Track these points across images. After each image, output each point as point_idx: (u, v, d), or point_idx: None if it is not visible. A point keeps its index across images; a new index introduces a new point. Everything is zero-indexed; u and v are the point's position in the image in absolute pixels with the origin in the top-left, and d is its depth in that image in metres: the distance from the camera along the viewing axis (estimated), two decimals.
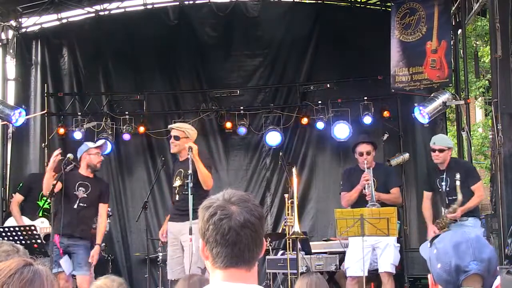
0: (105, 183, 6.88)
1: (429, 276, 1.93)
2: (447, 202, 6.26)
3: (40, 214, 6.85)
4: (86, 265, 6.16)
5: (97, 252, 6.27)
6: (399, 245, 6.37)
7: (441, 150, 6.34)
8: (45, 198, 6.90)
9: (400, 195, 6.71)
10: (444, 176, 6.31)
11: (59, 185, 5.93)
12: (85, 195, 6.20)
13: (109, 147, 6.59)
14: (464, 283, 1.82)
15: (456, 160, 6.97)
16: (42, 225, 6.67)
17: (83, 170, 6.29)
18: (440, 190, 6.33)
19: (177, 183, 5.77)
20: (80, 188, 6.17)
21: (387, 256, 6.09)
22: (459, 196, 6.09)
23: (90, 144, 6.51)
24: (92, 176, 6.40)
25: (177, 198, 5.77)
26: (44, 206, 6.91)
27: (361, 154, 6.46)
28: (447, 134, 8.66)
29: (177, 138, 5.78)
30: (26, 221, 6.79)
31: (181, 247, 5.72)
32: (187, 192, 5.53)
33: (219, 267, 1.76)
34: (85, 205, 6.21)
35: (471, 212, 6.30)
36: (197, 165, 5.59)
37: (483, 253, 1.84)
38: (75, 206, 6.12)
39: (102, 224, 6.42)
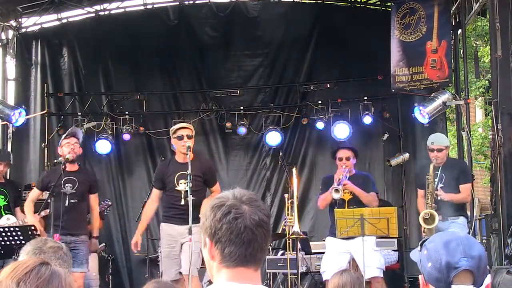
0: (92, 174, 6.88)
1: (420, 277, 1.95)
2: (437, 199, 6.22)
3: (3, 213, 6.79)
4: (86, 262, 6.16)
5: (95, 244, 6.39)
6: (378, 248, 6.26)
7: (439, 150, 6.31)
8: (1, 197, 6.85)
9: (377, 200, 6.48)
10: (439, 172, 6.26)
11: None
12: (73, 191, 6.11)
13: (81, 134, 6.50)
14: (455, 280, 1.84)
15: (454, 159, 6.96)
16: (10, 222, 6.60)
17: (67, 166, 6.17)
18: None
19: (181, 186, 5.67)
20: (67, 185, 6.07)
21: (370, 261, 5.97)
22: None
23: (63, 136, 6.41)
24: (77, 169, 6.31)
25: (182, 203, 5.64)
26: (3, 204, 6.86)
27: (341, 159, 6.36)
28: (447, 134, 8.65)
29: (190, 136, 5.73)
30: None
31: (180, 248, 5.67)
32: (195, 197, 5.50)
33: (228, 266, 1.73)
34: (75, 200, 6.13)
35: (462, 211, 6.31)
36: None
37: (473, 250, 1.86)
38: (66, 204, 6.03)
39: (95, 216, 6.42)
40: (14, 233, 5.63)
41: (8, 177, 7.46)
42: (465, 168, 6.74)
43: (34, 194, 6.40)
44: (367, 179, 6.59)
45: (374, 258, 6.03)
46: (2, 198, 6.85)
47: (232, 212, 1.72)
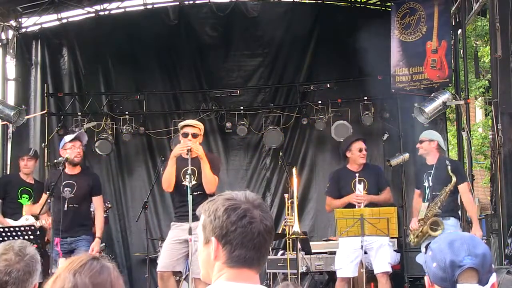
0: (93, 175, 6.74)
1: (425, 278, 1.96)
2: (430, 197, 6.22)
3: (24, 213, 6.79)
4: None
5: (97, 244, 6.18)
6: (392, 243, 6.34)
7: (420, 141, 6.39)
8: (26, 196, 6.86)
9: (391, 195, 6.64)
10: (433, 171, 6.26)
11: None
12: (72, 195, 6.06)
13: (86, 138, 6.48)
14: (460, 279, 1.84)
15: (449, 159, 6.93)
16: (27, 222, 6.58)
17: (67, 168, 6.14)
18: (424, 184, 6.31)
19: (188, 181, 5.63)
20: (65, 189, 6.02)
21: (383, 256, 6.04)
22: (453, 178, 6.09)
23: (66, 138, 6.34)
24: (79, 171, 6.28)
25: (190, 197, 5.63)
26: (26, 203, 6.85)
27: (361, 150, 6.43)
28: (447, 134, 8.67)
29: (195, 135, 5.70)
30: (10, 222, 6.67)
31: (182, 247, 5.65)
32: (202, 192, 5.50)
33: (232, 266, 1.74)
34: (75, 205, 6.08)
35: (452, 212, 6.27)
36: (203, 166, 5.56)
37: (477, 248, 1.87)
38: (65, 208, 5.98)
39: (99, 216, 6.31)
40: (14, 233, 5.64)
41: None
42: (460, 168, 6.71)
43: (42, 198, 6.36)
44: (380, 174, 6.71)
45: (387, 253, 6.07)
46: (26, 198, 6.86)
47: (247, 216, 1.73)
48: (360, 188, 6.21)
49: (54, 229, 5.86)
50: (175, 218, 5.83)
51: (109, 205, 7.45)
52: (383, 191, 6.47)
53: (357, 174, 6.28)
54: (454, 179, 6.09)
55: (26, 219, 6.68)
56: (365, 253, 6.10)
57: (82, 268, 1.79)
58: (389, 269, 6.12)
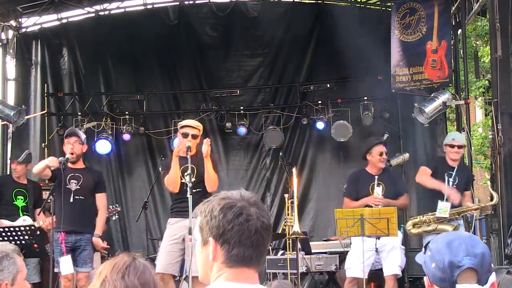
0: (97, 172, 6.76)
1: (425, 278, 1.95)
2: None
3: (20, 214, 6.75)
4: (91, 262, 6.14)
5: (99, 242, 6.16)
6: (404, 246, 6.35)
7: (460, 146, 6.41)
8: (21, 197, 6.84)
9: (408, 201, 6.63)
10: (454, 173, 6.31)
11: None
12: (78, 187, 6.07)
13: (80, 132, 6.44)
14: (459, 279, 1.83)
15: (463, 165, 7.03)
16: (25, 223, 6.54)
17: (70, 164, 6.17)
18: (444, 183, 6.32)
19: (187, 179, 5.60)
20: (72, 181, 6.04)
21: (394, 258, 6.04)
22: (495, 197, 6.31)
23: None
24: (83, 167, 6.32)
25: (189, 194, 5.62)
26: (21, 205, 6.83)
27: (381, 154, 6.43)
28: (447, 134, 8.67)
29: (195, 136, 5.72)
30: (6, 223, 6.64)
31: (181, 245, 5.64)
32: (200, 189, 5.52)
33: (231, 266, 1.73)
34: (81, 197, 6.07)
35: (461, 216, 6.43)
36: (207, 165, 5.59)
37: (476, 248, 1.86)
38: (71, 200, 6.00)
39: (101, 214, 6.26)
40: (14, 233, 5.63)
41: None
42: (471, 175, 6.84)
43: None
44: (396, 176, 6.79)
45: (398, 256, 6.08)
46: (21, 199, 6.82)
47: (244, 214, 1.72)
48: (378, 191, 6.21)
49: (57, 224, 5.83)
50: (172, 214, 5.84)
51: (118, 209, 7.32)
52: (401, 197, 6.46)
53: (376, 177, 6.28)
54: (495, 198, 6.32)
55: (23, 220, 6.65)
56: (377, 252, 6.11)
57: (128, 270, 1.86)
58: (399, 272, 6.13)
